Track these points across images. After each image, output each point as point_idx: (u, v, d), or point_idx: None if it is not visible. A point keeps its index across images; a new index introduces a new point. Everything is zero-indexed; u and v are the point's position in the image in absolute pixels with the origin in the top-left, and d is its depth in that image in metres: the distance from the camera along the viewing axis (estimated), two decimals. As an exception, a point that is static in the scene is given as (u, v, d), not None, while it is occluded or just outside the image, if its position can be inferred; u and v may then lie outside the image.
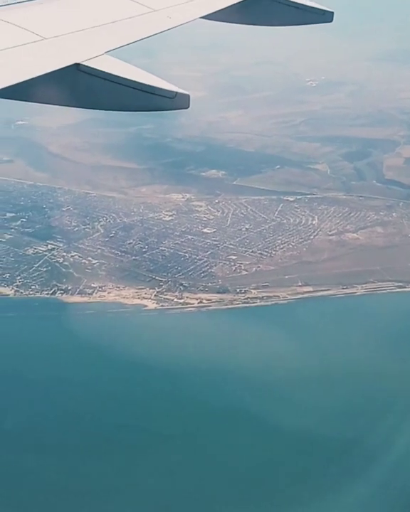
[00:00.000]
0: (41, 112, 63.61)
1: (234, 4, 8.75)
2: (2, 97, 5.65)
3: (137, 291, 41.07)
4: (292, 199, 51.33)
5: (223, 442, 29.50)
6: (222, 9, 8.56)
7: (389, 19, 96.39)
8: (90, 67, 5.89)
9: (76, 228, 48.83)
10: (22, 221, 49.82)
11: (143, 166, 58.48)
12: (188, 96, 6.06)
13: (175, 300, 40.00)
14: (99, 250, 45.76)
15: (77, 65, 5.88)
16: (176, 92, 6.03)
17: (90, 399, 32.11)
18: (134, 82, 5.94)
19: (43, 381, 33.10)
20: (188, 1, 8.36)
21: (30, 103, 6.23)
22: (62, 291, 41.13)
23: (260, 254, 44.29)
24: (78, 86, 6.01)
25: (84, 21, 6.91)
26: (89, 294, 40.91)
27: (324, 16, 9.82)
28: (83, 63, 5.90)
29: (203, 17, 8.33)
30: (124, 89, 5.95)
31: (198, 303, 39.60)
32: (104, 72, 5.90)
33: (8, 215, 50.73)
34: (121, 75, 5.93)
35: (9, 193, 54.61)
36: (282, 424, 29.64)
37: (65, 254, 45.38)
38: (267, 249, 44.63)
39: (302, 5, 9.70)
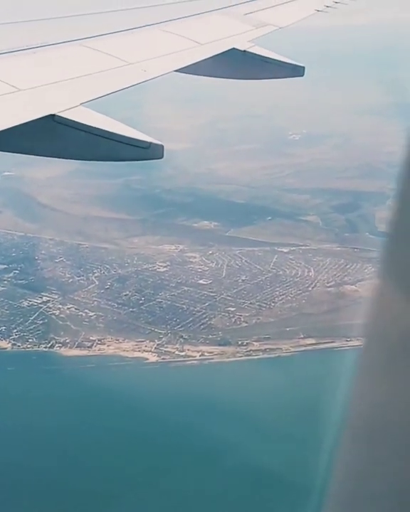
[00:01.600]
0: (28, 164, 63.67)
1: (207, 58, 9.00)
2: None
3: (136, 343, 40.53)
4: (286, 250, 51.59)
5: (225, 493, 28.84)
6: (196, 63, 8.79)
7: (369, 73, 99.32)
8: (65, 118, 6.06)
9: (70, 280, 48.37)
10: (15, 273, 49.24)
11: (134, 217, 58.55)
12: (162, 146, 6.27)
13: (176, 353, 39.52)
14: (95, 302, 45.27)
15: (52, 116, 6.04)
16: (151, 143, 6.22)
17: (96, 454, 31.29)
18: (109, 132, 6.11)
19: (47, 435, 32.21)
20: (163, 55, 8.62)
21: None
22: (60, 345, 40.44)
23: (259, 305, 44.17)
24: (54, 136, 6.15)
25: (59, 73, 7.10)
26: (88, 347, 40.26)
27: (295, 71, 10.11)
28: (59, 114, 6.06)
29: (178, 70, 8.61)
30: (99, 140, 6.11)
31: (200, 355, 39.16)
32: (79, 123, 6.07)
33: (0, 266, 50.16)
34: (96, 126, 6.09)
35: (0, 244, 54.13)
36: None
37: (60, 306, 44.80)
38: (265, 301, 44.55)
39: (273, 59, 10.01)
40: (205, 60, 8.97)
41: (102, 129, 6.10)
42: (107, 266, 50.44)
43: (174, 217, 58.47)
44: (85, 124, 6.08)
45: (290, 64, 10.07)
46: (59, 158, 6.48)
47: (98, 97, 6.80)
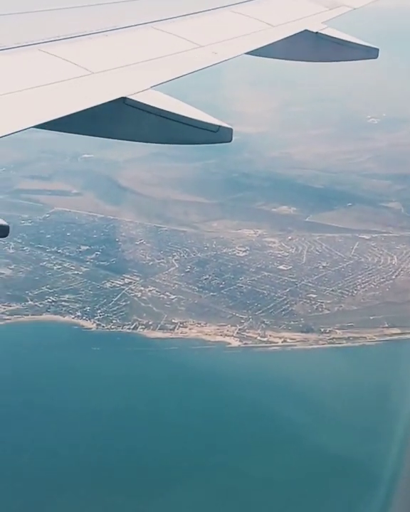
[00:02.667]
0: (107, 146, 64.41)
1: (279, 40, 8.87)
2: (51, 130, 5.85)
3: (218, 327, 40.77)
4: (367, 237, 50.85)
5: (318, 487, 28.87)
6: (267, 45, 8.67)
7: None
8: (136, 101, 6.08)
9: (151, 262, 48.91)
10: (97, 254, 50.08)
11: (213, 201, 58.59)
12: (231, 129, 6.21)
13: (258, 338, 39.58)
14: (176, 285, 45.69)
15: (123, 98, 6.07)
16: (219, 126, 6.16)
17: (179, 436, 31.72)
18: (179, 115, 6.10)
19: (133, 416, 32.83)
20: (234, 37, 8.54)
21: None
22: (143, 326, 41.02)
23: (341, 293, 43.75)
24: (124, 119, 6.19)
25: (131, 56, 7.12)
26: (170, 329, 40.73)
27: (369, 53, 9.86)
28: (130, 97, 6.09)
29: (249, 53, 8.48)
30: (169, 123, 6.12)
31: (283, 342, 39.12)
32: (149, 105, 6.08)
33: (83, 247, 51.02)
34: (166, 109, 6.10)
35: (82, 225, 55.01)
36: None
37: (142, 288, 45.40)
38: (348, 289, 44.10)
39: (346, 41, 9.80)
40: (277, 42, 8.81)
41: (171, 112, 6.10)
42: (187, 249, 50.77)
43: (253, 201, 58.30)
44: (155, 107, 6.08)
45: (364, 46, 9.86)
46: (129, 140, 6.50)
47: (169, 80, 6.78)
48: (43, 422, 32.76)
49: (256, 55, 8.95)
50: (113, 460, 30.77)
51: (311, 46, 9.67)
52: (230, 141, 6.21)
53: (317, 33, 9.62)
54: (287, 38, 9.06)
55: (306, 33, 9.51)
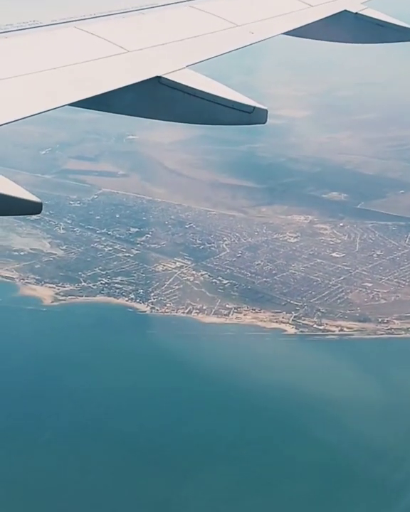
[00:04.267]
0: (150, 128, 64.01)
1: (317, 21, 8.76)
2: (86, 108, 5.83)
3: (273, 314, 40.38)
4: (422, 226, 50.03)
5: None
6: (305, 25, 8.56)
7: None
8: (171, 80, 6.03)
9: (201, 246, 48.55)
10: (147, 237, 49.84)
11: (261, 186, 57.94)
12: (266, 111, 6.15)
13: (314, 326, 39.13)
14: (228, 270, 45.30)
15: (158, 78, 6.02)
16: (254, 107, 6.09)
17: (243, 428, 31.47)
18: (213, 95, 6.06)
19: (200, 403, 32.66)
20: (271, 17, 8.40)
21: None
22: (197, 311, 40.76)
23: (398, 282, 43.07)
24: (159, 98, 6.17)
25: (167, 35, 7.06)
26: (225, 315, 40.42)
27: (408, 34, 9.55)
28: (165, 76, 6.04)
29: (286, 33, 8.38)
30: (203, 103, 6.08)
31: (339, 331, 38.62)
32: (184, 85, 6.03)
33: (132, 230, 50.80)
34: (201, 89, 6.05)
35: (130, 207, 54.75)
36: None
37: (194, 272, 45.10)
38: (404, 278, 43.40)
39: (387, 23, 9.51)
40: (315, 22, 8.70)
41: (205, 92, 6.03)
42: (237, 234, 50.30)
43: (302, 187, 57.53)
44: (189, 86, 6.02)
45: (406, 27, 9.48)
46: (163, 120, 6.44)
47: (204, 59, 6.71)
48: (100, 403, 32.74)
49: (294, 36, 8.82)
50: (171, 443, 30.65)
51: (350, 27, 9.42)
52: (264, 123, 6.10)
53: (356, 13, 9.36)
54: (326, 18, 8.91)
55: (345, 13, 9.28)
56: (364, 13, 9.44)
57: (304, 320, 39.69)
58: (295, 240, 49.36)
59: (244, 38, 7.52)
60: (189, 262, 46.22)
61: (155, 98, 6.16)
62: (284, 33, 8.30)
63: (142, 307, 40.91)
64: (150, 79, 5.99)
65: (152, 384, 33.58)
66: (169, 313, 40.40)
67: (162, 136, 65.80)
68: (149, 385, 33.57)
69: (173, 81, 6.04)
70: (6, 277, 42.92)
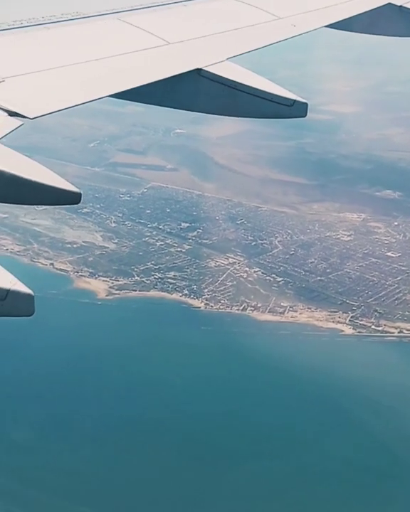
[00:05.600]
0: (198, 122, 63.67)
1: (360, 14, 8.60)
2: (127, 99, 5.84)
3: (329, 313, 39.71)
4: None
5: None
6: (348, 18, 8.42)
7: None
8: (211, 72, 6.04)
9: (253, 243, 48.02)
10: (198, 232, 49.45)
11: (313, 182, 57.13)
12: (306, 104, 6.11)
13: (372, 327, 38.40)
14: (281, 268, 44.72)
15: (199, 70, 6.02)
16: (294, 100, 6.05)
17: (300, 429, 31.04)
18: (253, 88, 6.04)
19: (248, 398, 32.26)
20: (314, 9, 8.32)
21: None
22: (252, 308, 40.27)
23: None
24: (199, 91, 6.16)
25: (208, 27, 7.05)
26: (280, 313, 39.87)
27: None
28: (205, 69, 6.04)
29: (328, 26, 8.26)
30: (243, 96, 6.07)
31: (399, 332, 37.83)
32: (224, 78, 6.03)
33: (183, 224, 50.44)
34: (240, 82, 6.04)
35: (180, 202, 54.40)
36: None
37: (247, 269, 44.60)
38: None
39: None
40: (359, 15, 8.55)
41: (245, 84, 6.02)
42: (289, 231, 49.65)
43: (354, 184, 56.58)
44: (229, 79, 6.03)
45: None
46: (203, 112, 6.45)
47: (245, 52, 6.70)
48: (156, 395, 32.52)
49: (337, 29, 8.64)
50: (237, 429, 30.39)
51: (394, 20, 9.18)
52: (304, 116, 6.07)
53: (401, 6, 9.09)
54: (370, 11, 8.76)
55: (389, 6, 9.05)
56: (409, 6, 9.19)
57: (361, 320, 38.96)
58: (349, 238, 48.56)
59: (286, 31, 7.47)
60: (242, 259, 45.72)
61: (195, 90, 6.17)
62: (326, 26, 8.18)
63: (196, 303, 40.54)
64: (190, 71, 5.99)
65: (213, 379, 33.24)
66: (223, 310, 39.97)
67: (210, 130, 65.35)
68: (209, 379, 33.24)
69: (213, 73, 6.03)
70: (61, 269, 42.88)
